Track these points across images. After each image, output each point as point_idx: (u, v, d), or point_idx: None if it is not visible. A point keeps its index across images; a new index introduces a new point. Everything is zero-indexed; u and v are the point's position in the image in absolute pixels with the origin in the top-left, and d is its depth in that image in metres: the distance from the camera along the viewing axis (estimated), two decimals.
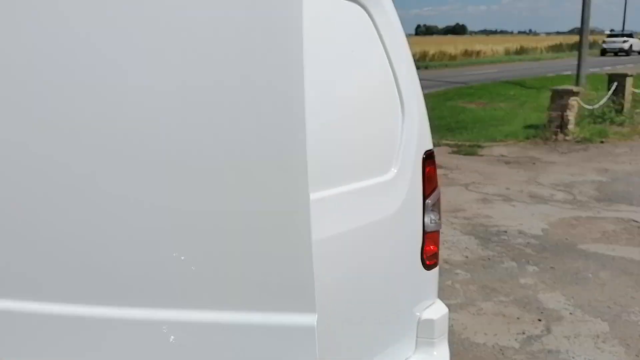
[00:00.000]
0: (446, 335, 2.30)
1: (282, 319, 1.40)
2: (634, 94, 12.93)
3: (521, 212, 5.97)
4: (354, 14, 1.92)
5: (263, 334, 1.42)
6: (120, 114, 1.32)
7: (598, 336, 3.50)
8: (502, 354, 3.33)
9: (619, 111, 11.84)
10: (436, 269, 2.27)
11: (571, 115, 10.14)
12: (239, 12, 1.30)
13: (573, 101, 10.14)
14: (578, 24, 16.32)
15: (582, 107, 10.75)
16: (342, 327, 1.91)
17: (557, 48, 49.01)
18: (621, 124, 11.22)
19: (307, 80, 1.38)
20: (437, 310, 2.26)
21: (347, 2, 1.90)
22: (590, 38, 24.72)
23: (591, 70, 19.76)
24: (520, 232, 5.35)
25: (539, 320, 3.72)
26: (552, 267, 4.54)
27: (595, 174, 7.60)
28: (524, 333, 3.56)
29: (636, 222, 5.63)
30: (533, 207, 6.13)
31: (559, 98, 10.13)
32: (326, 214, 1.75)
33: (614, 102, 11.95)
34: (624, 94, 12.13)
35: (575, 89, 10.56)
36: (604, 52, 40.74)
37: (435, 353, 2.23)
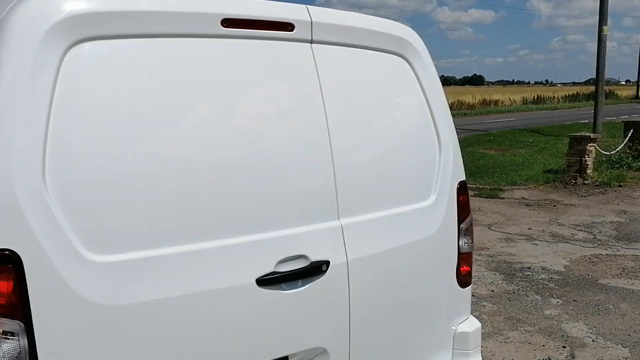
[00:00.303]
0: (479, 347, 2.56)
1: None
2: None
3: (543, 250, 6.20)
4: (398, 67, 2.29)
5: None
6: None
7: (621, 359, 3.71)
8: None
9: (636, 157, 12.07)
10: (469, 288, 2.55)
11: (589, 161, 10.40)
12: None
13: (591, 147, 10.42)
14: (593, 75, 16.77)
15: (600, 152, 11.02)
16: (387, 344, 2.20)
17: (573, 98, 49.48)
18: (638, 169, 11.43)
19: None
20: (471, 325, 2.54)
21: (393, 56, 2.28)
22: (606, 88, 25.15)
23: (607, 118, 20.07)
24: (543, 268, 5.59)
25: (564, 347, 3.94)
26: (574, 300, 4.75)
27: (614, 216, 7.81)
28: (549, 359, 3.77)
29: None
30: (555, 246, 6.37)
31: (577, 144, 10.43)
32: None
33: (630, 148, 12.20)
34: (639, 141, 12.38)
35: (592, 135, 10.87)
36: None
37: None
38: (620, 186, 9.96)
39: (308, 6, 2.03)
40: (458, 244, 2.45)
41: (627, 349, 3.88)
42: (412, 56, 2.33)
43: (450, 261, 2.43)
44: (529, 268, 5.60)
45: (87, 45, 1.60)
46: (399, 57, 2.30)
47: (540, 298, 4.82)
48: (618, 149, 11.81)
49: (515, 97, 44.43)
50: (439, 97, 2.42)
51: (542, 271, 5.51)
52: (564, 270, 5.56)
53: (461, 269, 2.47)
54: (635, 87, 59.50)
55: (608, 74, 16.07)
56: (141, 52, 1.69)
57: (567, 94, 50.61)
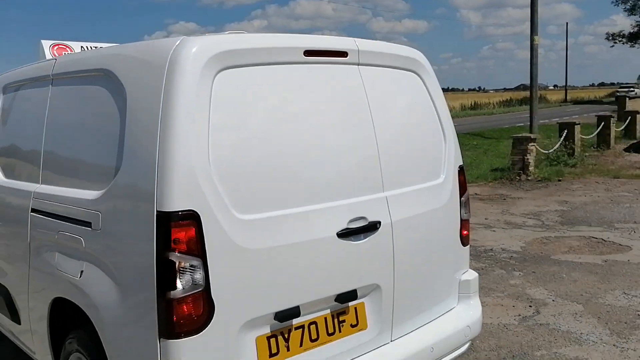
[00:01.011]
0: (477, 292, 3.34)
1: None
2: (582, 139, 14.58)
3: (501, 235, 7.13)
4: (413, 81, 3.06)
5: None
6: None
7: (576, 313, 4.59)
8: (507, 328, 4.37)
9: (571, 155, 13.38)
10: (468, 247, 3.33)
11: (531, 159, 11.56)
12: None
13: (532, 146, 11.58)
14: (523, 81, 18.38)
15: (540, 151, 12.22)
16: (416, 287, 2.94)
17: (507, 103, 52.15)
18: (574, 166, 12.71)
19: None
20: (470, 275, 3.31)
21: (408, 73, 3.04)
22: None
23: (540, 121, 21.65)
24: (503, 249, 6.49)
25: (530, 306, 4.79)
26: (533, 272, 5.65)
27: (557, 205, 8.89)
28: (519, 315, 4.62)
29: (595, 238, 6.85)
30: (510, 232, 7.31)
31: (520, 144, 11.57)
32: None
33: (565, 147, 13.51)
34: (574, 140, 13.73)
35: (532, 136, 12.05)
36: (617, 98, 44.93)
37: (471, 303, 3.26)
38: (559, 180, 11.14)
39: (355, 39, 2.78)
40: (460, 213, 3.23)
41: (580, 305, 4.78)
42: (422, 72, 3.11)
43: (455, 225, 3.21)
44: (492, 250, 6.49)
45: (227, 71, 2.28)
46: (413, 73, 3.07)
47: (505, 272, 5.70)
48: (555, 148, 13.08)
49: (454, 104, 46.45)
50: (442, 102, 3.20)
51: (503, 252, 6.40)
52: (521, 250, 6.48)
53: (463, 232, 3.25)
54: (564, 91, 63.16)
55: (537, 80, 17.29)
56: (259, 74, 2.38)
57: (501, 100, 53.26)
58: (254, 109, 2.38)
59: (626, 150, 15.76)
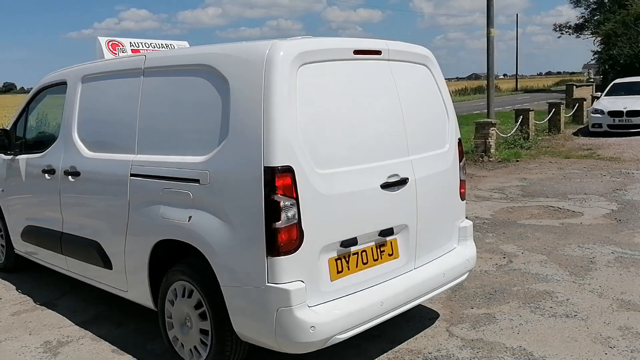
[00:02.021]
0: (472, 236, 4.32)
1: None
2: (536, 124, 15.92)
3: (472, 206, 8.19)
4: (424, 72, 4.00)
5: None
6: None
7: (542, 261, 5.66)
8: (487, 273, 5.40)
9: (526, 138, 14.68)
10: (464, 202, 4.30)
11: (492, 142, 12.75)
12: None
13: (492, 131, 12.77)
14: (475, 70, 19.59)
15: (499, 135, 13.43)
16: (431, 228, 3.90)
17: (462, 92, 54.02)
18: (529, 148, 14.00)
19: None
20: (467, 223, 4.29)
21: (421, 66, 3.98)
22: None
23: (495, 109, 23.06)
24: (476, 217, 7.55)
25: (504, 257, 5.85)
26: (503, 233, 6.73)
27: (517, 182, 10.06)
28: (496, 264, 5.66)
29: (552, 207, 8.00)
30: (480, 203, 8.40)
31: (482, 129, 12.74)
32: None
33: (521, 131, 14.81)
34: (528, 125, 15.04)
35: (493, 121, 13.23)
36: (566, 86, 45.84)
37: (468, 243, 4.25)
38: (517, 161, 12.36)
39: (386, 40, 3.70)
40: (459, 175, 4.20)
41: (544, 255, 5.86)
42: (431, 66, 4.05)
43: (456, 184, 4.17)
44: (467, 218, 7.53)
45: (305, 66, 3.17)
46: (425, 67, 4.01)
47: (480, 233, 6.74)
48: (512, 132, 14.35)
49: None
50: (445, 89, 4.16)
51: (477, 219, 7.46)
52: (491, 217, 7.56)
53: (461, 190, 4.22)
54: (514, 80, 65.63)
55: (485, 69, 18.43)
56: (325, 68, 3.28)
57: (456, 89, 55.03)
58: (324, 94, 3.28)
59: (574, 134, 17.23)
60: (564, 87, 34.62)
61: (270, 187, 3.02)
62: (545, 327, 4.17)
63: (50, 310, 4.85)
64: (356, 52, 3.47)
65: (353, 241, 3.34)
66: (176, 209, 3.51)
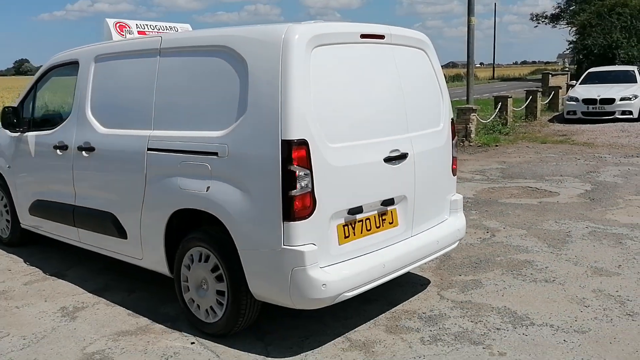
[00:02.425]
0: (462, 208, 4.68)
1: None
2: (514, 111, 16.41)
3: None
4: (422, 56, 4.32)
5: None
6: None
7: (522, 235, 6.07)
8: (472, 246, 5.78)
9: (504, 124, 15.16)
10: (455, 177, 4.65)
11: (472, 127, 13.18)
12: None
13: (473, 116, 13.20)
14: (451, 59, 19.93)
15: (479, 121, 13.87)
16: (426, 200, 4.24)
17: None
18: (507, 134, 14.47)
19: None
20: (457, 197, 4.65)
21: (419, 50, 4.30)
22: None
23: (474, 96, 23.60)
24: None
25: (487, 231, 6.25)
26: (486, 210, 7.13)
27: (497, 164, 10.49)
28: (480, 238, 6.05)
29: (530, 187, 8.44)
30: (462, 184, 8.79)
31: (463, 114, 13.15)
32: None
33: (500, 117, 15.28)
34: (507, 111, 15.52)
35: (474, 107, 13.66)
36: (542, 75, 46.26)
37: (458, 215, 4.61)
38: (496, 146, 12.82)
39: (388, 26, 4.01)
40: (452, 152, 4.55)
41: (524, 230, 6.27)
42: (428, 50, 4.38)
43: (449, 160, 4.52)
44: None
45: (318, 48, 3.46)
46: (422, 51, 4.33)
47: (464, 211, 7.10)
48: (491, 119, 14.81)
49: None
50: (440, 72, 4.49)
51: None
52: (473, 196, 7.96)
53: (453, 166, 4.57)
54: (491, 69, 66.48)
55: (463, 57, 19.08)
56: (335, 50, 3.58)
57: None
58: (334, 74, 3.58)
59: (550, 121, 17.79)
60: (539, 76, 35.35)
61: (287, 159, 3.31)
62: (527, 290, 4.56)
63: (60, 280, 5.09)
64: (363, 36, 3.77)
65: (359, 209, 3.67)
66: (194, 180, 3.78)
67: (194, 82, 3.91)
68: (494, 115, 15.00)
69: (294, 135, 3.32)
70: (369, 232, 3.79)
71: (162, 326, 4.09)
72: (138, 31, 5.24)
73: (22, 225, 5.77)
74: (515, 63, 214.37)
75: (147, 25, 5.43)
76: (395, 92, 3.98)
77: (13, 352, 3.76)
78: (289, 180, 3.33)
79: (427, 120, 4.29)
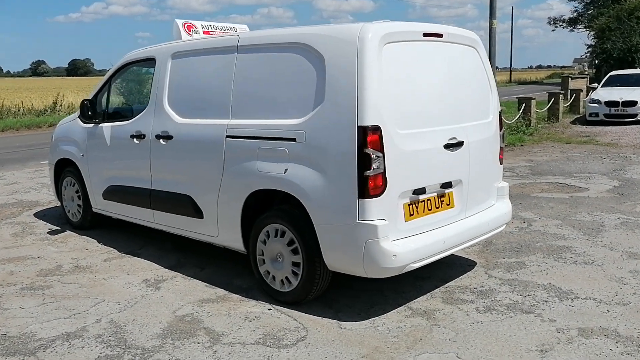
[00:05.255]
0: (508, 195, 5.07)
1: None
2: (537, 112, 16.74)
3: None
4: (474, 54, 4.74)
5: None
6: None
7: (557, 225, 6.45)
8: (511, 233, 6.17)
9: (528, 125, 15.50)
10: (502, 166, 5.05)
11: None
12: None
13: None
14: None
15: (504, 121, 14.20)
16: (478, 185, 4.64)
17: None
18: (531, 134, 14.80)
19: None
20: (504, 184, 5.06)
21: (471, 48, 4.72)
22: None
23: None
24: None
25: (524, 222, 6.63)
26: (520, 203, 7.51)
27: (525, 162, 10.86)
28: (517, 227, 6.43)
29: (560, 183, 8.80)
30: None
31: None
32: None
33: (524, 118, 15.62)
34: (530, 113, 15.85)
35: (500, 108, 13.98)
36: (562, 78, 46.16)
37: (505, 201, 5.02)
38: (522, 145, 13.17)
39: (446, 26, 4.43)
40: (499, 142, 4.95)
41: (559, 220, 6.65)
42: (478, 48, 4.79)
43: (497, 150, 4.93)
44: None
45: (388, 45, 3.90)
46: (473, 48, 4.75)
47: None
48: (515, 119, 15.15)
49: None
50: (489, 68, 4.91)
51: None
52: None
53: (500, 155, 4.98)
54: (508, 72, 66.56)
55: None
56: (404, 47, 4.01)
57: None
58: (401, 68, 4.01)
59: (572, 122, 18.08)
60: (556, 80, 35.60)
61: (362, 142, 3.74)
62: (569, 270, 4.95)
63: (136, 257, 5.56)
64: (425, 34, 4.20)
65: (422, 190, 4.09)
66: (272, 164, 4.22)
67: (272, 75, 4.35)
68: (517, 116, 15.33)
69: (369, 122, 3.75)
70: (430, 211, 4.20)
71: (238, 295, 4.54)
72: (203, 31, 5.71)
73: (94, 209, 6.25)
74: (531, 67, 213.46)
75: (210, 26, 5.91)
76: (451, 85, 4.40)
77: (113, 314, 4.22)
78: (364, 162, 3.76)
79: (479, 112, 4.70)
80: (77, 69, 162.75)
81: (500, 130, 4.97)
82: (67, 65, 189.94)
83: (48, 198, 8.33)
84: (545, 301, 4.30)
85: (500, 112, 4.99)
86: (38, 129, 20.33)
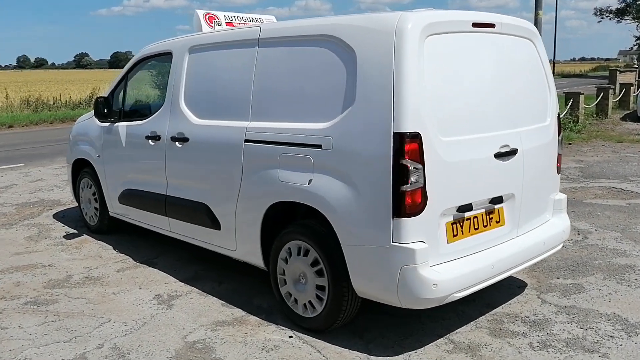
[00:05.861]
0: (565, 209, 4.45)
1: None
2: (585, 108, 15.80)
3: None
4: (531, 47, 4.12)
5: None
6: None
7: (616, 238, 5.77)
8: (565, 248, 5.51)
9: (575, 122, 14.60)
10: (559, 175, 4.41)
11: None
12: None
13: None
14: None
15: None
16: (532, 199, 4.03)
17: None
18: (579, 131, 13.93)
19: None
20: (561, 196, 4.42)
21: (527, 40, 4.10)
22: None
23: None
24: None
25: (578, 234, 5.96)
26: (573, 211, 6.82)
27: (574, 164, 10.08)
28: (571, 239, 5.78)
29: (615, 188, 8.05)
30: None
31: None
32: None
33: (571, 115, 14.71)
34: (578, 108, 14.94)
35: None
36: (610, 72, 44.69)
37: (562, 216, 4.39)
38: (570, 144, 12.34)
39: (500, 15, 3.83)
40: (557, 148, 4.33)
41: (618, 232, 5.96)
42: (536, 40, 4.17)
43: (554, 157, 4.30)
44: None
45: (431, 37, 3.33)
46: (529, 41, 4.13)
47: None
48: (562, 115, 14.25)
49: None
50: (547, 64, 4.27)
51: None
52: None
53: (558, 164, 4.35)
54: (552, 65, 64.43)
55: None
56: (449, 40, 3.44)
57: None
58: (446, 64, 3.44)
59: (622, 119, 17.05)
60: (601, 73, 33.98)
61: (399, 152, 3.19)
62: (635, 296, 4.31)
63: (151, 267, 5.14)
64: (474, 24, 3.61)
65: (468, 207, 3.52)
66: (295, 173, 3.71)
67: (296, 72, 3.84)
68: (565, 112, 14.45)
69: (407, 128, 3.19)
70: (477, 231, 3.63)
71: (257, 318, 4.05)
72: (226, 22, 5.22)
73: (111, 214, 5.87)
74: (574, 59, 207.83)
75: (234, 17, 5.41)
76: (505, 84, 3.80)
77: (117, 337, 3.79)
78: (400, 174, 3.21)
79: (535, 114, 4.09)
80: (119, 61, 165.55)
81: (559, 134, 4.34)
82: (109, 58, 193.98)
83: (70, 197, 7.98)
84: (611, 336, 3.69)
85: (558, 115, 4.36)
86: (72, 123, 20.28)
